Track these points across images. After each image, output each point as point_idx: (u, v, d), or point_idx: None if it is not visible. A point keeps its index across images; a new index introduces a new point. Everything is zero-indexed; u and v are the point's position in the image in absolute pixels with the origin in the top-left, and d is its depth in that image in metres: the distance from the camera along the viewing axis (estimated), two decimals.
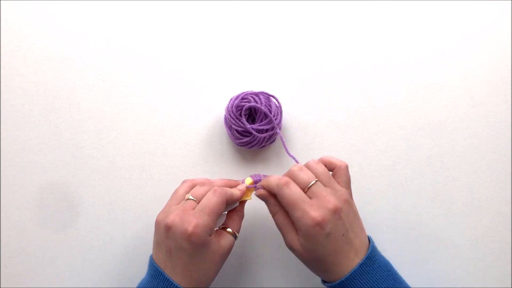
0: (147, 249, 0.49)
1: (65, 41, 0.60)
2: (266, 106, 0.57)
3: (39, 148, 0.60)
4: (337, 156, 0.60)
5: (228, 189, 0.50)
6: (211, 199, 0.47)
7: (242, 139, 0.57)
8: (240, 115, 0.57)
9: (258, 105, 0.56)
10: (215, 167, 0.61)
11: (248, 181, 0.53)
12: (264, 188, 0.51)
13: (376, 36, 0.62)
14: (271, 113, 0.57)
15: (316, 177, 0.48)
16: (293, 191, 0.47)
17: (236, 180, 0.53)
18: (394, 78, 0.62)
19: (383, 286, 0.46)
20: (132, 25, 0.61)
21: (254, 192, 0.53)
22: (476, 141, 0.61)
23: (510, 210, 0.61)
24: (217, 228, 0.50)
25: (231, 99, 0.58)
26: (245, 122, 0.57)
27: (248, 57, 0.61)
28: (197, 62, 0.61)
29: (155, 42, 0.61)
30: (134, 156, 0.60)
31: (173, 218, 0.47)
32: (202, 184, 0.51)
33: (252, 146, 0.58)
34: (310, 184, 0.47)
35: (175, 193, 0.51)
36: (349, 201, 0.48)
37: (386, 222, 0.61)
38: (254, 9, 0.62)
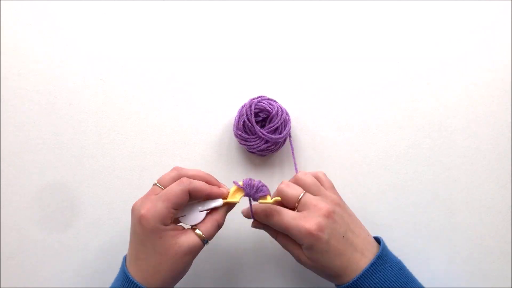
0: None
1: (65, 41, 0.60)
2: (285, 120, 0.57)
3: (39, 148, 0.60)
4: (337, 156, 0.61)
5: (197, 181, 0.47)
6: (172, 188, 0.46)
7: (248, 141, 0.57)
8: (253, 116, 0.57)
9: (281, 119, 0.57)
10: (215, 167, 0.61)
11: (232, 189, 0.49)
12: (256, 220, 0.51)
13: (376, 37, 0.62)
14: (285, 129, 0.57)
15: (304, 189, 0.50)
16: (281, 217, 0.48)
17: (215, 179, 0.50)
18: (394, 78, 0.62)
19: (395, 285, 0.47)
20: (131, 25, 0.61)
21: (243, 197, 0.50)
22: (476, 141, 0.61)
23: (510, 210, 0.61)
24: (190, 226, 0.48)
25: (252, 100, 0.57)
26: (256, 126, 0.56)
27: (245, 57, 0.61)
28: (196, 62, 0.61)
29: (155, 42, 0.61)
30: (134, 156, 0.60)
31: (136, 202, 0.47)
32: (173, 170, 0.49)
33: (252, 149, 0.58)
34: (300, 197, 0.49)
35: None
36: (340, 204, 0.50)
37: (386, 222, 0.61)
38: (253, 12, 0.62)
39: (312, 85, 0.61)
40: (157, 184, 0.48)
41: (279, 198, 0.49)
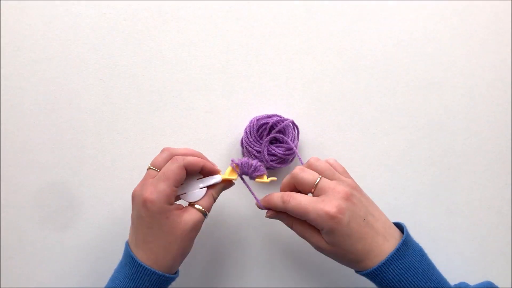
0: None
1: (65, 41, 0.60)
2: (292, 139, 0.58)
3: (39, 148, 0.60)
4: (337, 156, 0.61)
5: (190, 157, 0.48)
6: (169, 166, 0.47)
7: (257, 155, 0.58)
8: (262, 134, 0.58)
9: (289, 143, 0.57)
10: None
11: (228, 170, 0.51)
12: (270, 208, 0.50)
13: (376, 37, 0.62)
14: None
15: (320, 174, 0.49)
16: (299, 200, 0.47)
17: (204, 156, 0.51)
18: (394, 78, 0.62)
19: (418, 272, 0.47)
20: (132, 25, 0.61)
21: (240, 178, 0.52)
22: (476, 141, 0.61)
23: (510, 210, 0.61)
24: (189, 204, 0.49)
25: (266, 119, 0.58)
26: (266, 146, 0.57)
27: (245, 60, 0.61)
28: (196, 63, 0.61)
29: (155, 42, 0.61)
30: (134, 156, 0.60)
31: (135, 188, 0.48)
32: (164, 151, 0.49)
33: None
34: (316, 182, 0.48)
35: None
36: (357, 187, 0.49)
37: None
38: (251, 15, 0.62)
39: (312, 85, 0.61)
40: (152, 167, 0.49)
41: (275, 178, 0.50)
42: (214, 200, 0.50)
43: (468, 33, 0.62)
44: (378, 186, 0.61)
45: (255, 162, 0.50)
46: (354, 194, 0.48)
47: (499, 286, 0.51)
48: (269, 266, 0.61)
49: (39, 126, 0.60)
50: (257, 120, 0.58)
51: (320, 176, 0.48)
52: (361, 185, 0.60)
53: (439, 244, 0.60)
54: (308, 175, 0.48)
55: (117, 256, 0.59)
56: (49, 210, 0.60)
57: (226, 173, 0.51)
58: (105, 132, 0.60)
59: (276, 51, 0.61)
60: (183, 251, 0.48)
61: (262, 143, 0.57)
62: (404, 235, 0.48)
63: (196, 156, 0.50)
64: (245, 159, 0.51)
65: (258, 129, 0.58)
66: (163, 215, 0.46)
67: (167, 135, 0.61)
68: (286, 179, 0.50)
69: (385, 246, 0.47)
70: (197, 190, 0.49)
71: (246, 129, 0.58)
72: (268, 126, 0.57)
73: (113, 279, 0.49)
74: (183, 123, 0.61)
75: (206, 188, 0.50)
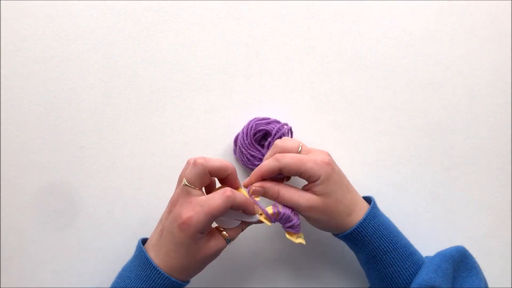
0: None
1: (65, 41, 0.60)
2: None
3: (39, 148, 0.60)
4: (337, 156, 0.61)
5: (239, 196, 0.47)
6: (216, 201, 0.45)
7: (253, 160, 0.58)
8: (258, 138, 0.58)
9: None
10: None
11: (269, 210, 0.50)
12: (259, 178, 0.50)
13: (376, 36, 0.62)
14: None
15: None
16: (292, 155, 0.50)
17: (250, 199, 0.49)
18: (394, 78, 0.62)
19: (391, 229, 0.52)
20: (132, 25, 0.61)
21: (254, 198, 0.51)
22: (476, 141, 0.61)
23: (510, 210, 0.61)
24: (216, 227, 0.50)
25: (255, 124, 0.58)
26: (260, 148, 0.57)
27: (244, 60, 0.61)
28: (196, 63, 0.61)
29: (155, 42, 0.61)
30: (134, 156, 0.60)
31: (174, 200, 0.48)
32: (197, 166, 0.47)
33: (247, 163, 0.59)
34: (300, 149, 0.51)
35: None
36: None
37: None
38: (250, 15, 0.62)
39: (312, 85, 0.61)
40: (188, 184, 0.47)
41: (304, 242, 0.50)
42: (242, 231, 0.51)
43: (468, 33, 0.62)
44: (378, 186, 0.61)
45: (295, 219, 0.50)
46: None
47: (498, 286, 0.52)
48: (269, 266, 0.61)
49: (39, 126, 0.60)
50: (256, 124, 0.58)
51: (300, 144, 0.52)
52: (361, 185, 0.60)
53: (439, 244, 0.60)
54: (292, 143, 0.52)
55: (117, 255, 0.59)
56: (49, 210, 0.60)
57: (263, 214, 0.50)
58: (105, 132, 0.60)
59: (276, 51, 0.61)
60: (199, 271, 0.50)
61: (257, 148, 0.57)
62: (372, 199, 0.53)
63: (230, 170, 0.49)
64: (288, 211, 0.49)
65: (255, 133, 0.57)
66: (193, 241, 0.46)
67: (167, 135, 0.61)
68: (269, 152, 0.52)
69: (364, 203, 0.52)
70: (232, 221, 0.49)
71: (243, 129, 0.58)
72: (273, 133, 0.57)
73: (123, 278, 0.49)
74: (183, 123, 0.61)
75: (238, 221, 0.50)
